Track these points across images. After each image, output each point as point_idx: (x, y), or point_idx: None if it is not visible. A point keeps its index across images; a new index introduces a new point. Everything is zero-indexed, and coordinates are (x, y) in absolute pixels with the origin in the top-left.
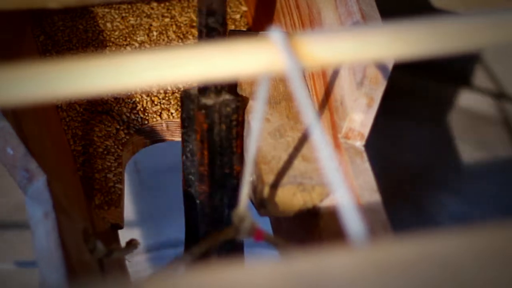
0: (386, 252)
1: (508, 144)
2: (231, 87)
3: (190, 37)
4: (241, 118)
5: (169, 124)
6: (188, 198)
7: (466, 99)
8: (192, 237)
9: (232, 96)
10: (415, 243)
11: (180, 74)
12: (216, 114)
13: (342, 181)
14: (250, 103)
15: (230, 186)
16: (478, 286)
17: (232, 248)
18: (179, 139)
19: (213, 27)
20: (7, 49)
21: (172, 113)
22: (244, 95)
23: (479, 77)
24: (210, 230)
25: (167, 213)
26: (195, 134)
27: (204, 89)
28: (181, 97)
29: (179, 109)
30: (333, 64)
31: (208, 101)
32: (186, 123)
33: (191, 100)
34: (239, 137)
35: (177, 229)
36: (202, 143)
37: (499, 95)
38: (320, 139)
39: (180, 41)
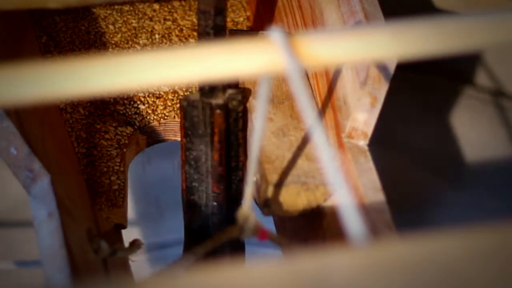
0: (388, 252)
1: (509, 144)
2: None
3: (192, 40)
4: (245, 108)
5: (172, 124)
6: (191, 206)
7: (467, 99)
8: (193, 240)
9: (234, 89)
10: (416, 243)
11: (181, 74)
12: (227, 110)
13: (343, 181)
14: (253, 102)
15: (236, 179)
16: (478, 286)
17: (234, 248)
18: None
19: (221, 25)
20: (9, 49)
21: (176, 113)
22: None
23: (480, 77)
24: (216, 230)
25: (168, 212)
26: (210, 137)
27: (212, 90)
28: (181, 106)
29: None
30: (334, 64)
31: (219, 100)
32: (190, 131)
33: (194, 106)
34: (244, 128)
35: (178, 229)
36: (221, 144)
37: (500, 94)
38: (320, 139)
39: (182, 44)
